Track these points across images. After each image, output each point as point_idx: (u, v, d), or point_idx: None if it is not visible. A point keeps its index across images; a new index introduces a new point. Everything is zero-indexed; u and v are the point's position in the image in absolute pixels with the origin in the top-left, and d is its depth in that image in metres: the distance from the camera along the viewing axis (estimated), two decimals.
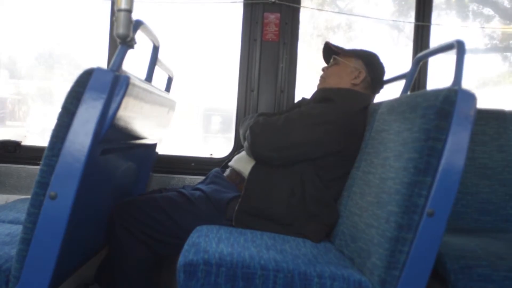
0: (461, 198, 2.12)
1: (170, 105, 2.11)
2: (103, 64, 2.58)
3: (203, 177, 2.18)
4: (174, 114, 2.29)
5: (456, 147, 1.22)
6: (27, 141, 2.76)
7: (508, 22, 4.07)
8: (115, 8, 1.24)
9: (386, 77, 2.09)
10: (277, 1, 2.57)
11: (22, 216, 1.53)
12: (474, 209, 2.13)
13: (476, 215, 2.12)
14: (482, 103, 1.49)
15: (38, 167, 1.25)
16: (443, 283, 1.56)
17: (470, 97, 1.24)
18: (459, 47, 1.36)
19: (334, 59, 2.10)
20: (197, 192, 1.90)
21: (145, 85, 1.53)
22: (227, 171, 2.08)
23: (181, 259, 1.33)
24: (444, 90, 1.25)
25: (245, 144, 1.96)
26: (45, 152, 1.24)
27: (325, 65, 2.17)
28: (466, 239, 1.80)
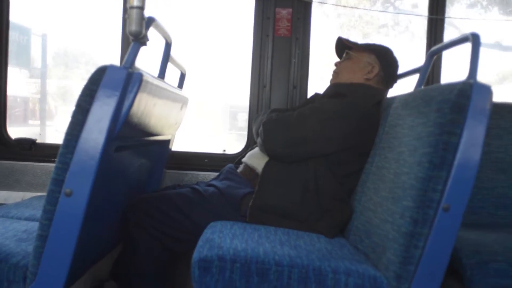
0: (477, 192, 2.09)
1: (183, 101, 2.12)
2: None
3: (216, 173, 2.18)
4: (199, 111, 2.29)
5: (471, 141, 1.21)
6: (42, 139, 2.79)
7: None
8: (127, 6, 1.24)
9: (399, 72, 2.07)
10: None
11: (38, 213, 1.56)
12: (490, 204, 2.10)
13: (492, 209, 2.10)
14: (501, 98, 1.47)
15: (53, 164, 1.26)
16: (459, 279, 1.55)
17: (486, 91, 1.22)
18: (474, 40, 1.34)
19: (347, 53, 2.08)
20: (211, 188, 1.90)
21: (158, 82, 1.54)
22: (241, 167, 2.08)
23: (195, 255, 1.34)
24: (459, 84, 1.24)
25: (258, 140, 1.96)
26: (60, 149, 1.25)
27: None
28: (482, 234, 1.78)
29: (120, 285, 1.83)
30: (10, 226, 1.66)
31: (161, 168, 2.36)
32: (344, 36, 2.11)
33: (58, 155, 1.25)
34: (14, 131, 2.76)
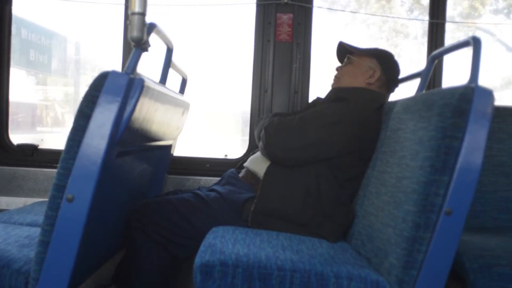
0: (479, 196, 2.09)
1: (185, 107, 2.12)
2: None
3: (218, 178, 2.18)
4: (211, 117, 2.30)
5: (473, 145, 1.21)
6: (44, 145, 2.80)
7: None
8: (129, 12, 1.25)
9: (400, 76, 2.07)
10: (289, 2, 2.57)
11: (40, 219, 1.56)
12: (492, 208, 2.10)
13: (495, 213, 2.09)
14: (506, 104, 1.46)
15: (55, 170, 1.27)
16: (461, 283, 1.54)
17: (487, 95, 1.22)
18: (475, 44, 1.34)
19: (348, 58, 2.08)
20: (213, 193, 1.91)
21: (160, 88, 1.54)
22: (243, 172, 2.08)
23: (197, 260, 1.34)
24: (461, 88, 1.24)
25: (260, 144, 1.96)
26: (62, 155, 1.25)
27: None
28: (485, 238, 1.78)
29: None
30: (12, 232, 1.66)
31: (162, 173, 2.36)
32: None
33: (60, 161, 1.26)
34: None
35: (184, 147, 2.55)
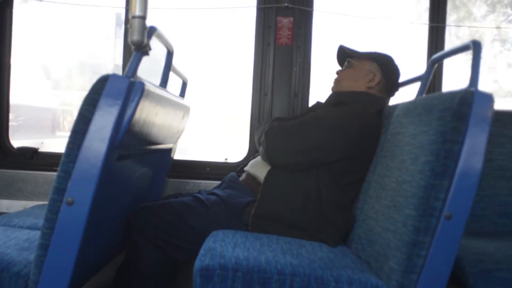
0: (479, 200, 2.09)
1: (185, 110, 2.12)
2: None
3: (218, 182, 2.18)
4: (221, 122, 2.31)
5: (473, 149, 1.21)
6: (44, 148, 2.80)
7: None
8: (130, 15, 1.25)
9: (401, 80, 2.07)
10: (290, 5, 2.58)
11: (40, 222, 1.55)
12: (492, 212, 2.09)
13: (495, 217, 2.09)
14: None
15: (55, 173, 1.27)
16: (461, 287, 1.54)
17: (487, 99, 1.22)
18: (475, 48, 1.34)
19: (349, 62, 2.08)
20: (213, 197, 1.90)
21: (160, 91, 1.54)
22: (243, 176, 2.08)
23: (197, 264, 1.33)
24: (461, 92, 1.24)
25: (260, 149, 1.96)
26: (62, 158, 1.25)
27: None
28: (484, 242, 1.77)
29: None
30: (12, 235, 1.66)
31: (163, 177, 2.36)
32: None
33: (60, 164, 1.26)
34: None
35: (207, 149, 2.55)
